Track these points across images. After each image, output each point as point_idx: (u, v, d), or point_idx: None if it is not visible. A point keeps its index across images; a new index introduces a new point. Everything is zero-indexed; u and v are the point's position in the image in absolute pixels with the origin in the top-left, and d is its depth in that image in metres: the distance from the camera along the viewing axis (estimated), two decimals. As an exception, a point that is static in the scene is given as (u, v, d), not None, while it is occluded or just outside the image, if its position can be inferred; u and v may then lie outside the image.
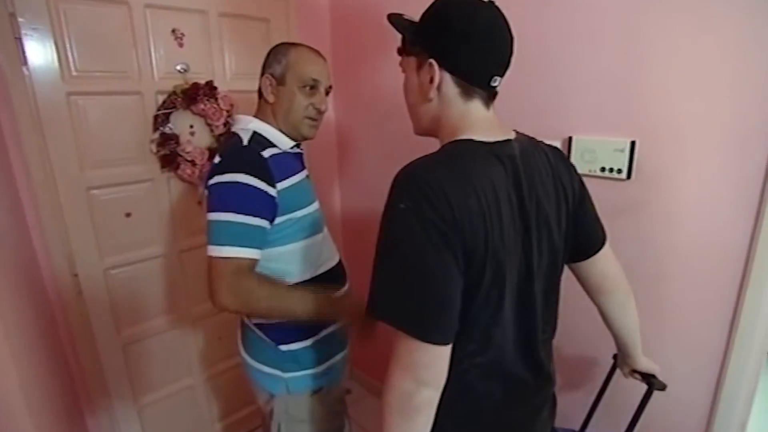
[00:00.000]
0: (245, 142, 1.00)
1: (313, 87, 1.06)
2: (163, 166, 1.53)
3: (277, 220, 0.99)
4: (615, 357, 1.09)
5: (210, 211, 0.93)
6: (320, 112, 1.09)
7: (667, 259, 1.13)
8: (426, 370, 0.64)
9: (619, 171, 1.17)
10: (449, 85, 0.73)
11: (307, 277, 1.07)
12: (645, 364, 1.01)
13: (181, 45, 1.53)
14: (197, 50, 1.58)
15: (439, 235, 0.61)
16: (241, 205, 0.92)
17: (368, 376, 2.24)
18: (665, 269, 1.14)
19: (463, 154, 0.69)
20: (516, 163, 0.72)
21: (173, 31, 1.51)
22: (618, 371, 1.09)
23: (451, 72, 0.72)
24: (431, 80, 0.73)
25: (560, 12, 1.21)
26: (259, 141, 1.02)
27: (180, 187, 1.62)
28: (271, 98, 1.07)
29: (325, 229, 1.17)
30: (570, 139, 1.25)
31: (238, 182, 0.93)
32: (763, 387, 1.08)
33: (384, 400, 0.67)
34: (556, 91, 1.26)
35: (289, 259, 1.05)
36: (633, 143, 1.13)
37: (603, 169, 1.20)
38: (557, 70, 1.24)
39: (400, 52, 0.80)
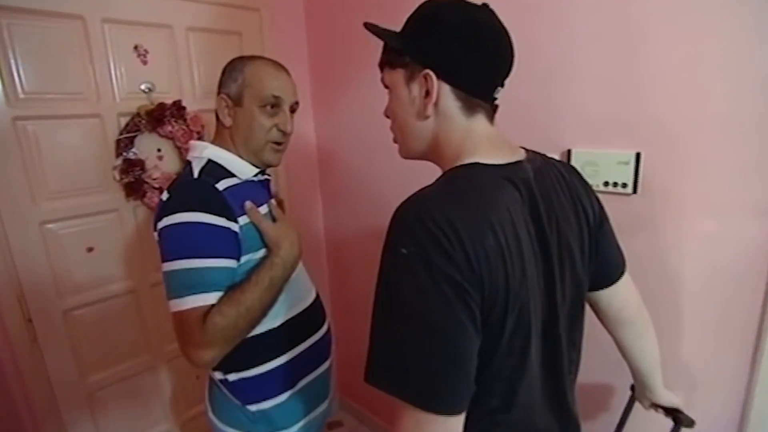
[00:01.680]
0: (196, 173, 0.87)
1: (275, 105, 0.94)
2: (128, 195, 1.40)
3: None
4: (633, 388, 1.00)
5: (164, 260, 0.80)
6: (285, 135, 0.96)
7: (680, 279, 1.05)
8: None
9: (624, 185, 1.09)
10: (449, 99, 0.63)
11: (278, 323, 0.94)
12: (667, 397, 0.92)
13: (144, 62, 1.41)
14: (163, 68, 1.46)
15: (452, 285, 0.51)
16: (199, 249, 0.80)
17: (359, 405, 2.11)
18: (678, 291, 1.06)
19: (473, 182, 0.59)
20: (531, 187, 0.62)
21: (136, 47, 1.39)
22: (637, 403, 1.00)
23: (451, 83, 0.62)
24: (427, 94, 0.63)
25: (555, 16, 1.13)
26: (213, 171, 0.89)
27: (148, 216, 1.48)
28: (228, 121, 0.94)
29: (299, 264, 1.04)
30: (569, 152, 1.17)
31: (191, 222, 0.80)
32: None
33: None
34: (552, 100, 1.18)
35: None
36: (638, 155, 1.05)
37: (606, 184, 1.12)
38: (553, 78, 1.16)
39: (383, 64, 0.69)
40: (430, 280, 0.50)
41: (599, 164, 1.12)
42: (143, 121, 1.36)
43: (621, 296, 0.81)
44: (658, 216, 1.06)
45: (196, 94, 1.55)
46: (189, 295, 0.78)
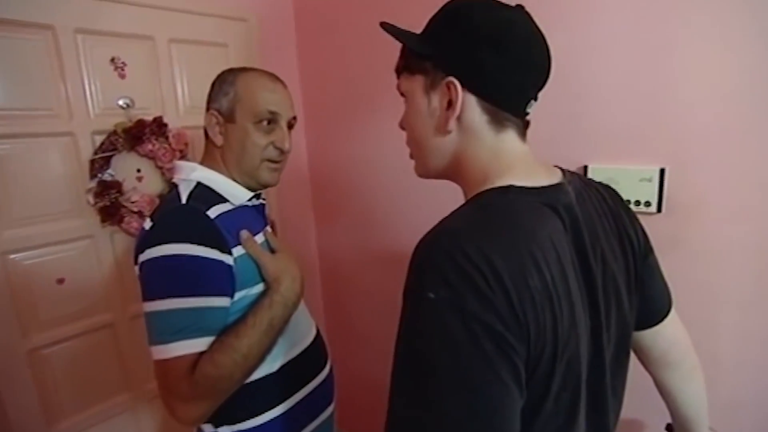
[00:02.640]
0: (184, 199, 0.77)
1: (272, 121, 0.85)
2: (103, 220, 1.27)
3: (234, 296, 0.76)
4: (668, 428, 0.91)
5: (147, 298, 0.70)
6: (283, 153, 0.87)
7: (715, 305, 0.97)
8: None
9: (648, 204, 1.01)
10: (474, 111, 0.54)
11: (276, 366, 0.84)
12: (712, 444, 0.83)
13: (122, 76, 1.30)
14: (143, 82, 1.35)
15: (491, 337, 0.41)
16: (188, 286, 0.69)
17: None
18: (713, 318, 0.97)
19: (510, 210, 0.50)
20: (575, 214, 0.54)
21: (113, 60, 1.28)
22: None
23: (477, 94, 0.54)
24: (450, 105, 0.54)
25: (573, 24, 1.06)
26: (204, 196, 0.79)
27: (126, 242, 1.36)
28: (219, 140, 0.85)
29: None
30: (585, 168, 1.09)
31: (179, 255, 0.69)
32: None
33: None
34: (567, 112, 1.09)
35: None
36: (662, 171, 0.98)
37: (628, 203, 1.03)
38: (568, 89, 1.08)
39: (400, 69, 0.60)
40: (465, 332, 0.41)
41: (619, 181, 1.04)
42: (120, 140, 1.25)
43: (667, 337, 0.72)
44: (686, 238, 0.98)
45: (179, 110, 1.44)
46: (175, 340, 0.67)
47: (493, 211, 0.50)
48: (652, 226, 1.01)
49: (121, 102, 1.29)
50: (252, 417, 0.82)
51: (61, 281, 1.25)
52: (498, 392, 0.42)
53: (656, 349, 0.73)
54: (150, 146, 1.29)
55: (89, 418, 1.35)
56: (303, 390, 0.88)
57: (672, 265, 0.99)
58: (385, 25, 0.60)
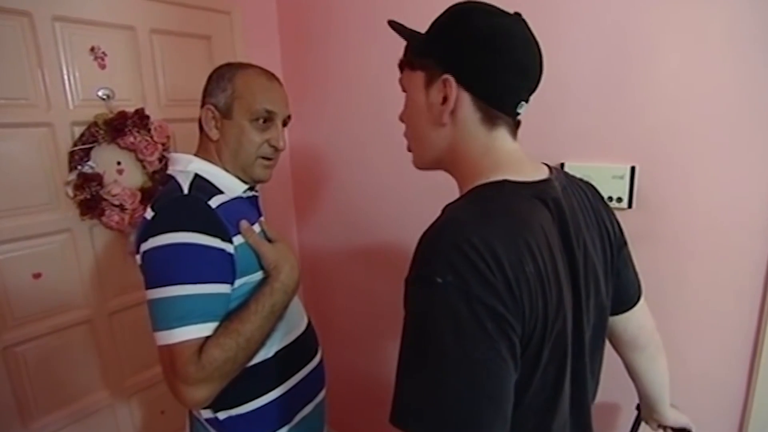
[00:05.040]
0: (186, 189, 0.78)
1: (268, 120, 0.87)
2: (83, 214, 1.24)
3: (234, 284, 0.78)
4: (638, 407, 0.98)
5: (150, 286, 0.71)
6: (277, 150, 0.90)
7: (678, 293, 1.05)
8: None
9: (620, 200, 1.07)
10: (468, 108, 0.59)
11: (272, 352, 0.86)
12: (674, 418, 0.91)
13: (102, 66, 1.27)
14: (124, 72, 1.32)
15: (493, 318, 0.45)
16: (193, 273, 0.71)
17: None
18: (676, 305, 1.05)
19: (506, 202, 0.54)
20: (561, 206, 0.59)
21: (92, 49, 1.25)
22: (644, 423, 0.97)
23: (471, 92, 0.58)
24: (444, 100, 0.58)
25: (546, 27, 1.11)
26: (203, 187, 0.81)
27: (106, 236, 1.33)
28: (214, 134, 0.87)
29: None
30: (562, 165, 1.15)
31: (185, 243, 0.71)
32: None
33: None
34: (544, 112, 1.15)
35: None
36: (633, 169, 1.05)
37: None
38: (545, 90, 1.13)
39: (403, 65, 0.64)
40: (470, 313, 0.45)
41: (593, 178, 1.08)
42: (101, 131, 1.22)
43: (636, 321, 0.79)
44: (655, 231, 1.05)
45: (161, 101, 1.41)
46: (181, 326, 0.69)
47: (492, 203, 0.54)
48: (624, 221, 1.06)
49: (101, 93, 1.26)
50: (249, 401, 0.84)
51: (37, 276, 1.22)
52: (498, 367, 0.46)
53: (627, 334, 0.80)
54: (132, 138, 1.27)
55: (66, 417, 1.32)
56: (297, 375, 0.91)
57: (641, 256, 1.06)
58: (392, 24, 0.64)
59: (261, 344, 0.78)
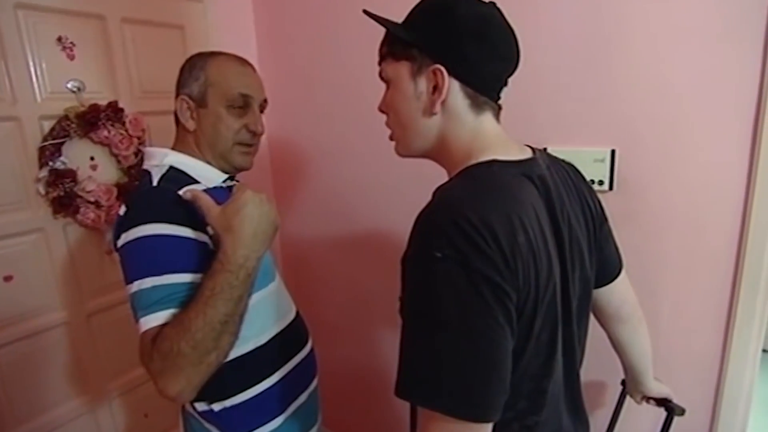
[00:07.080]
0: (155, 182, 0.77)
1: (244, 105, 0.85)
2: (56, 212, 1.19)
3: None
4: (623, 383, 1.02)
5: (127, 281, 0.70)
6: (256, 135, 0.88)
7: (658, 270, 1.09)
8: None
9: (601, 182, 1.11)
10: (458, 95, 0.61)
11: (265, 339, 0.85)
12: (657, 389, 0.96)
13: (71, 57, 1.21)
14: (94, 63, 1.26)
15: (491, 288, 0.48)
16: (162, 264, 0.69)
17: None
18: (656, 281, 1.10)
19: (497, 180, 0.57)
20: (547, 183, 0.62)
21: (59, 39, 1.19)
22: (629, 397, 1.01)
23: (461, 80, 0.60)
24: (435, 90, 0.60)
25: (525, 14, 1.13)
26: (176, 179, 0.79)
27: (81, 235, 1.28)
28: (191, 125, 0.85)
29: (278, 277, 0.95)
30: (545, 149, 1.17)
31: (150, 236, 0.69)
32: (759, 386, 1.07)
33: None
34: (526, 98, 1.17)
35: None
36: (613, 152, 1.08)
37: (583, 181, 1.13)
38: (526, 76, 1.15)
39: (384, 55, 0.65)
40: (469, 285, 0.48)
41: (575, 162, 1.11)
42: (73, 125, 1.17)
43: (619, 294, 0.83)
44: (635, 211, 1.09)
45: (134, 93, 1.36)
46: (144, 315, 0.67)
47: (483, 181, 0.57)
48: (606, 203, 1.09)
49: (70, 85, 1.20)
50: (245, 390, 0.82)
51: (8, 279, 1.16)
52: (497, 334, 0.49)
53: (610, 306, 0.84)
54: (105, 132, 1.22)
55: (44, 426, 1.26)
56: (291, 362, 0.90)
57: (622, 236, 1.10)
58: (369, 13, 0.64)
59: (229, 325, 0.66)
